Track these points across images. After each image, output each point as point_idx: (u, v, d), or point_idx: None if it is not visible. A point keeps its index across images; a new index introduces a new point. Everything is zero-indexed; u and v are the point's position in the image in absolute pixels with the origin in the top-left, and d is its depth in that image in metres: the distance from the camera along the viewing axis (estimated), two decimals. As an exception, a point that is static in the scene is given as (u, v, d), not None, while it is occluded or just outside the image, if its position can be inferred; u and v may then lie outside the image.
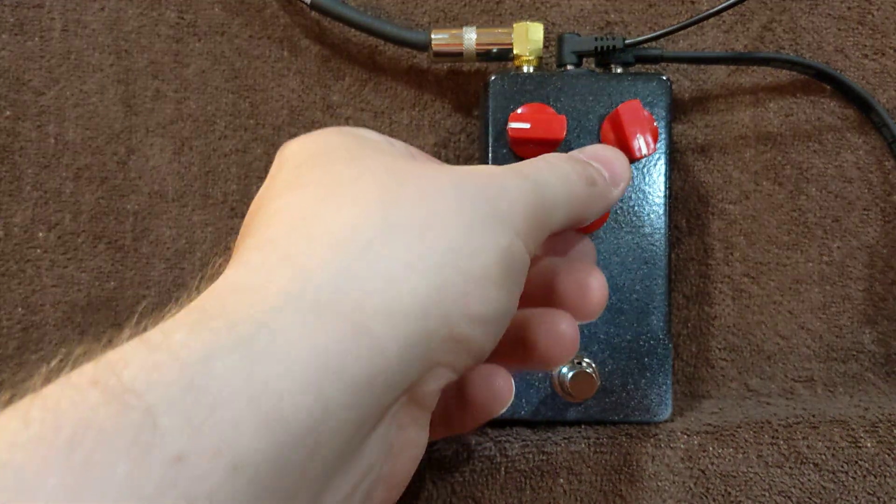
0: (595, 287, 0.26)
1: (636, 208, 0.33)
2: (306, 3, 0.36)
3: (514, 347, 0.25)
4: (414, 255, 0.19)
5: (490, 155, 0.32)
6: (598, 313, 0.27)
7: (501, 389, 0.27)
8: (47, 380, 0.17)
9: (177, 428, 0.15)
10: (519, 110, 0.31)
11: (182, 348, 0.16)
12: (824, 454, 0.32)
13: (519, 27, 0.34)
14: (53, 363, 0.17)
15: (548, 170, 0.24)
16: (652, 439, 0.32)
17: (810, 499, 0.32)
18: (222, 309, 0.18)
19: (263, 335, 0.17)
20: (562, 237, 0.29)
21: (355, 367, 0.18)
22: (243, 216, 0.25)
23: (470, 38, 0.34)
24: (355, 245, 0.19)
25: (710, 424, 0.33)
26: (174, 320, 0.18)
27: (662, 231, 0.33)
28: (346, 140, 0.24)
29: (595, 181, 0.25)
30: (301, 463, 0.17)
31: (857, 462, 0.32)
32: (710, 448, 0.32)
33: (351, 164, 0.22)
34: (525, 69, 0.34)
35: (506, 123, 0.32)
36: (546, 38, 0.34)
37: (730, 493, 0.32)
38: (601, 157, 0.26)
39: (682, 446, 0.32)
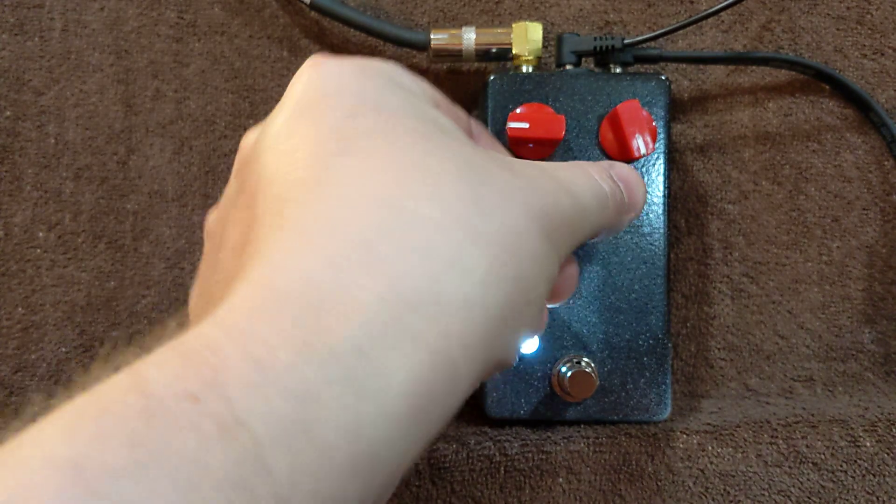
0: (569, 275, 0.26)
1: (635, 208, 0.33)
2: (306, 4, 0.36)
3: None
4: (492, 275, 0.18)
5: (489, 155, 0.32)
6: (566, 299, 0.27)
7: None
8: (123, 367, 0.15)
9: (284, 471, 0.14)
10: (518, 110, 0.31)
11: (288, 374, 0.15)
12: (823, 453, 0.32)
13: (518, 27, 0.34)
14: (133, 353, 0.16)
15: (591, 191, 0.23)
16: (651, 439, 0.32)
17: (809, 498, 0.32)
18: (317, 322, 0.16)
19: (363, 367, 0.16)
20: None
21: (437, 403, 0.17)
22: None
23: (469, 37, 0.34)
24: (443, 255, 0.17)
25: (709, 424, 0.33)
26: (266, 321, 0.16)
27: (661, 231, 0.33)
28: (405, 103, 0.21)
29: (622, 209, 0.25)
30: (377, 495, 0.16)
31: (856, 461, 0.32)
32: (710, 447, 0.32)
33: (424, 142, 0.19)
34: (524, 69, 0.34)
35: (505, 123, 0.32)
36: (545, 38, 0.34)
37: (729, 493, 0.32)
38: (628, 181, 0.25)
39: (681, 446, 0.32)
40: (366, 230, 0.17)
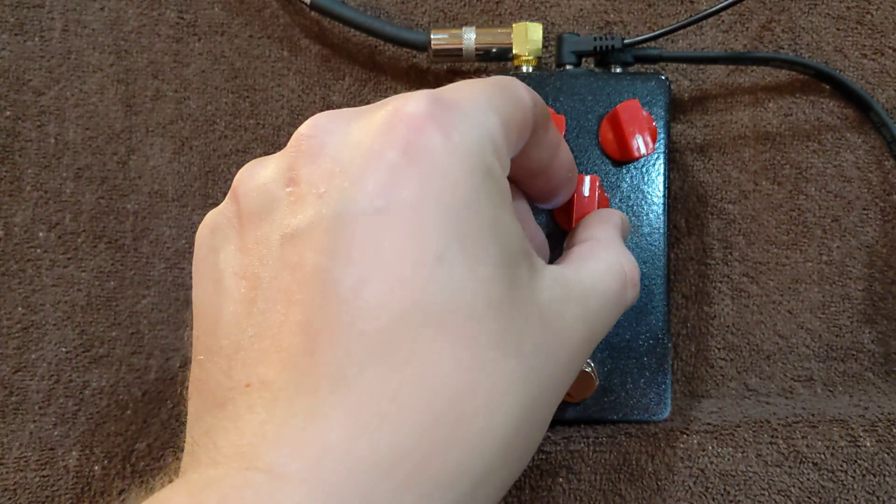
0: None
1: (635, 208, 0.33)
2: (306, 3, 0.36)
3: None
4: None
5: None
6: None
7: None
8: None
9: None
10: (518, 110, 0.31)
11: None
12: (823, 453, 0.32)
13: (518, 27, 0.34)
14: None
15: (616, 310, 0.23)
16: (651, 438, 0.32)
17: (809, 498, 0.32)
18: None
19: None
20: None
21: None
22: None
23: (469, 38, 0.34)
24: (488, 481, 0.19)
25: (709, 424, 0.33)
26: None
27: (661, 231, 0.33)
28: (496, 241, 0.18)
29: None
30: None
31: (856, 461, 0.32)
32: (710, 447, 0.32)
33: (500, 349, 0.18)
34: (524, 69, 0.34)
35: (505, 123, 0.32)
36: (545, 38, 0.34)
37: (729, 493, 0.32)
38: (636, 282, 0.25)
39: (681, 445, 0.32)
40: (431, 440, 0.16)
